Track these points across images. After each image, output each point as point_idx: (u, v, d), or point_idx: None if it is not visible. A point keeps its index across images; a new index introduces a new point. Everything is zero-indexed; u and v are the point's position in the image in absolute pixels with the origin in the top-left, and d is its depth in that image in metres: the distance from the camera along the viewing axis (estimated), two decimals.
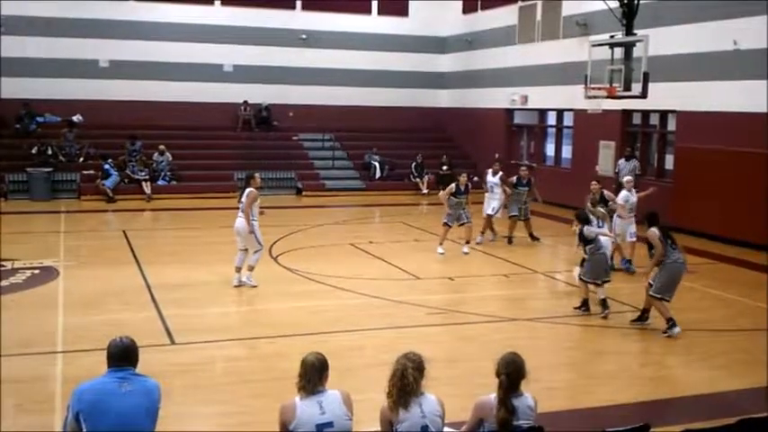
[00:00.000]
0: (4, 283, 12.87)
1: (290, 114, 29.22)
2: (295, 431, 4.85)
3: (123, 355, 4.99)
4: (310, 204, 24.34)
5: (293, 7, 29.45)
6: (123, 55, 27.13)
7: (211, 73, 28.30)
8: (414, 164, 27.63)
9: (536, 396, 5.42)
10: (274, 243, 16.66)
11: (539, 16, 25.35)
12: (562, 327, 11.08)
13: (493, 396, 5.17)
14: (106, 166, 23.96)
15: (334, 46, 29.57)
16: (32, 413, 7.59)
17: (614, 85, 17.50)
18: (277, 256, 15.41)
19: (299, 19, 29.38)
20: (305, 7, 29.49)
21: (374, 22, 30.41)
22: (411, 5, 30.90)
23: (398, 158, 28.12)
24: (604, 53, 17.99)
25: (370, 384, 8.29)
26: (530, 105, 26.17)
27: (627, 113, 21.57)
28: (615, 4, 17.99)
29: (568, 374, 9.02)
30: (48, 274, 13.62)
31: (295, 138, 29.10)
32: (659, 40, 17.98)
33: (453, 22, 30.79)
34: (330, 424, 4.85)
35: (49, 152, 24.32)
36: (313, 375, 4.96)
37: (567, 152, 25.07)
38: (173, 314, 11.12)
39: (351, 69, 29.75)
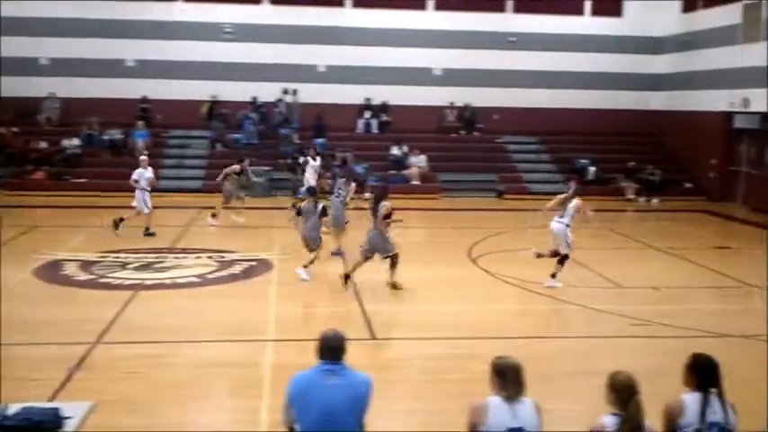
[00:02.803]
0: (223, 273, 13.89)
1: (495, 117, 29.15)
2: None
3: (334, 348, 5.07)
4: (511, 207, 24.17)
5: (503, 9, 29.39)
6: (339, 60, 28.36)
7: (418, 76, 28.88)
8: (624, 169, 26.72)
9: (744, 418, 5.08)
10: (474, 245, 16.75)
11: (765, 14, 23.68)
12: None
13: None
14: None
15: (544, 48, 29.18)
16: (242, 397, 8.15)
17: None
18: (476, 258, 15.48)
19: (509, 21, 29.32)
20: (517, 9, 29.37)
21: (586, 23, 29.66)
22: (625, 5, 29.84)
23: (606, 163, 27.29)
24: None
25: (564, 394, 8.20)
26: (752, 108, 24.49)
27: None
28: None
29: None
30: (263, 266, 14.52)
31: (498, 140, 29.02)
32: None
33: (670, 22, 29.40)
34: (521, 430, 4.77)
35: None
36: (510, 382, 4.85)
37: None
38: (374, 310, 11.48)
39: (560, 71, 29.19)
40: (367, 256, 12.65)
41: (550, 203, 13.51)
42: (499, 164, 27.68)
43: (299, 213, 13.69)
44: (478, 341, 10.09)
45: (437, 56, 28.86)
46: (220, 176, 19.52)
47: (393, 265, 12.61)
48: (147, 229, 17.17)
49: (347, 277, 12.66)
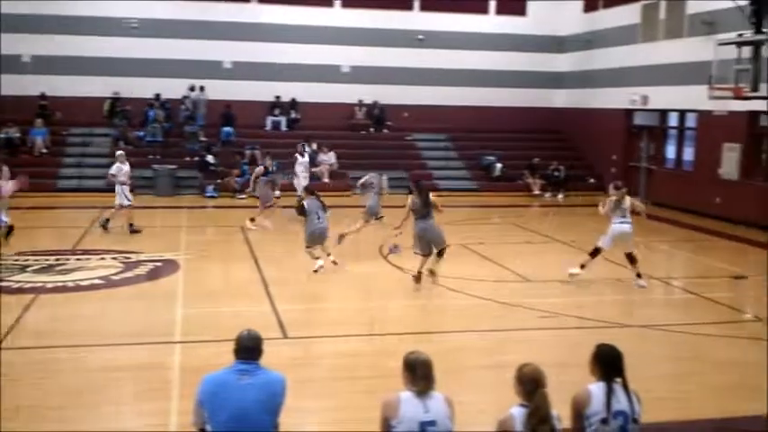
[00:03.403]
0: (129, 274, 13.53)
1: (405, 115, 29.36)
2: (397, 427, 4.83)
3: (249, 348, 5.04)
4: None
5: (410, 7, 29.63)
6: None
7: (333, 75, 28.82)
8: (529, 165, 27.30)
9: (647, 406, 5.24)
10: (385, 242, 16.80)
11: (662, 14, 24.59)
12: (678, 335, 10.72)
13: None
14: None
15: (451, 46, 29.54)
16: (150, 400, 7.94)
17: (741, 85, 16.82)
18: (387, 255, 15.52)
19: (416, 19, 29.57)
20: (423, 7, 29.65)
21: (491, 22, 30.18)
22: (529, 4, 30.50)
23: (513, 159, 27.83)
24: (731, 52, 17.31)
25: (474, 387, 8.32)
26: (650, 106, 25.39)
27: (754, 115, 20.61)
28: (744, 2, 17.27)
29: (682, 385, 8.71)
30: (169, 266, 14.21)
31: (408, 138, 29.24)
32: None
33: (572, 21, 30.21)
34: (433, 423, 4.81)
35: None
36: (418, 377, 4.89)
37: (688, 154, 24.21)
38: (286, 308, 11.38)
39: (467, 69, 29.60)
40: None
41: (606, 209, 13.34)
42: (409, 161, 27.88)
43: (302, 213, 13.63)
44: (389, 337, 10.13)
45: (345, 53, 28.86)
46: (251, 184, 19.25)
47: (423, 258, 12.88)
48: (132, 225, 17.32)
49: (431, 274, 12.82)
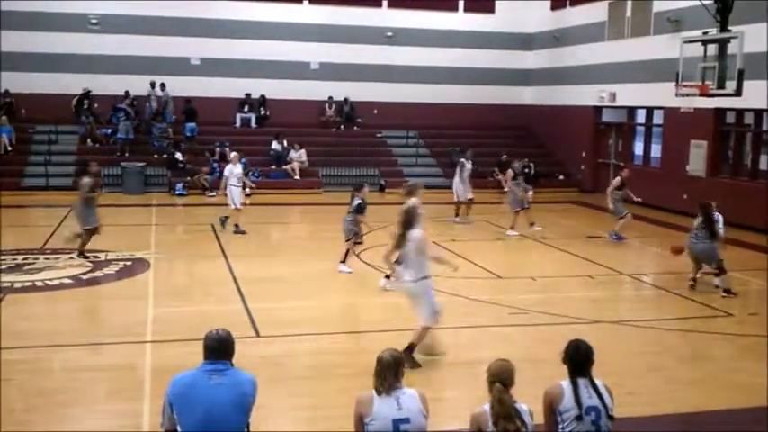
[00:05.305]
0: (98, 273, 13.40)
1: (375, 112, 29.38)
2: (371, 424, 4.86)
3: (217, 348, 4.98)
4: (394, 201, 24.35)
5: (379, 4, 29.63)
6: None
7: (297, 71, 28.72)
8: (498, 162, 27.38)
9: (618, 401, 5.30)
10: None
11: (629, 12, 24.85)
12: (648, 330, 10.84)
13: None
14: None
15: (420, 43, 29.58)
16: (123, 400, 7.88)
17: (707, 82, 17.04)
18: (359, 253, 15.52)
19: (385, 16, 29.58)
20: (392, 4, 29.68)
21: (460, 19, 30.29)
22: (498, 2, 30.65)
23: (482, 156, 27.90)
24: (697, 50, 17.52)
25: (448, 383, 8.36)
26: (618, 103, 25.64)
27: (720, 112, 20.91)
28: (709, 0, 17.49)
29: (652, 380, 8.82)
30: (139, 265, 14.09)
31: (379, 135, 29.26)
32: (755, 37, 17.38)
33: (540, 19, 30.42)
34: (407, 420, 4.84)
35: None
36: (388, 374, 4.94)
37: (656, 151, 24.48)
38: (258, 307, 11.35)
39: (436, 67, 29.67)
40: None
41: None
42: (380, 158, 27.91)
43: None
44: (363, 335, 10.15)
45: (314, 50, 28.85)
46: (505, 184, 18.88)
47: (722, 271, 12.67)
48: (237, 226, 17.21)
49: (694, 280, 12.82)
